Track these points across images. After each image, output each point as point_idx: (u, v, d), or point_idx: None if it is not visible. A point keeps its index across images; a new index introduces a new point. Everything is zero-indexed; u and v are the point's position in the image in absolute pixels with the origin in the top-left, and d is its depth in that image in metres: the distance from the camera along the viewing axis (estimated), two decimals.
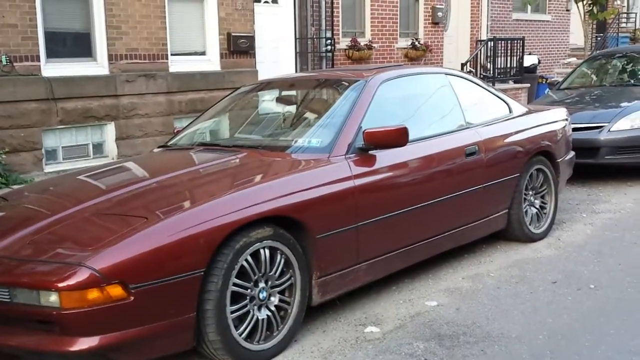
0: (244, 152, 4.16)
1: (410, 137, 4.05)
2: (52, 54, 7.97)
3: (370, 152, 4.02)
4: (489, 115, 5.17)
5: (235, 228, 3.24)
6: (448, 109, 4.89)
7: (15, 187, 6.80)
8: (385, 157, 4.07)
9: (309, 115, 4.78)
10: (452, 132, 4.75)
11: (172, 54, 9.01)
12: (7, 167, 7.36)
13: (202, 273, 3.13)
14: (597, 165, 7.48)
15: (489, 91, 5.45)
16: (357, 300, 4.17)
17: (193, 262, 3.10)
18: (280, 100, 5.18)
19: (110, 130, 8.45)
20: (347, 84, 4.56)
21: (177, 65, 9.06)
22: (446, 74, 5.18)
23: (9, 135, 7.49)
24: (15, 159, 7.53)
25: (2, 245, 3.23)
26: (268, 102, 5.22)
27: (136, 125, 8.63)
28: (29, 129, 7.65)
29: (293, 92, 5.24)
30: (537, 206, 5.45)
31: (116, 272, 2.92)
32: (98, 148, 8.44)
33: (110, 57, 8.36)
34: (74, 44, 8.29)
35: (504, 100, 5.48)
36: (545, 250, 5.14)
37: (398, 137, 3.95)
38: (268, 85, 5.42)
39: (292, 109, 5.06)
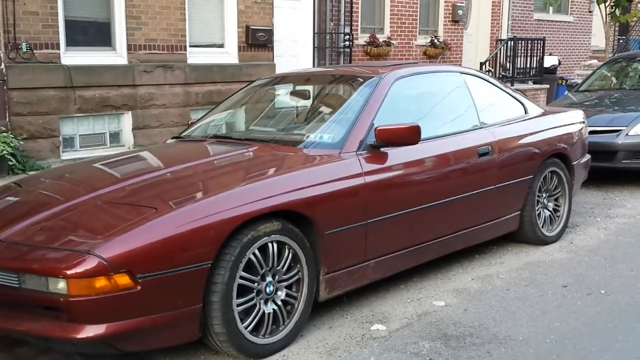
0: (255, 146, 4.16)
1: (423, 136, 4.03)
2: (71, 42, 8.04)
3: (382, 149, 4.01)
4: (503, 116, 5.14)
5: (244, 221, 3.25)
6: (462, 108, 4.86)
7: (32, 173, 6.87)
8: (397, 155, 4.06)
9: (322, 110, 4.78)
10: (466, 131, 4.72)
11: (190, 46, 9.06)
12: (24, 153, 7.44)
13: (210, 265, 3.14)
14: (613, 169, 7.41)
15: (504, 91, 5.41)
16: (365, 298, 4.17)
17: (201, 254, 3.12)
18: (294, 94, 5.18)
19: (127, 120, 8.51)
20: (361, 80, 4.55)
21: (195, 56, 9.10)
22: (461, 72, 5.14)
23: (27, 121, 7.56)
24: (32, 146, 7.61)
25: (14, 230, 3.26)
26: (282, 96, 5.23)
27: (153, 116, 8.68)
28: (47, 116, 7.73)
29: (307, 87, 5.22)
30: (551, 209, 5.41)
31: (124, 261, 2.94)
32: (115, 137, 8.50)
33: (129, 47, 8.42)
34: (94, 33, 8.35)
35: (519, 101, 5.44)
36: (557, 254, 5.10)
37: (410, 135, 3.93)
38: (283, 79, 5.43)
39: (305, 103, 5.05)
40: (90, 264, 2.90)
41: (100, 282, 2.90)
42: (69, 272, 2.88)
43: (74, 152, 8.05)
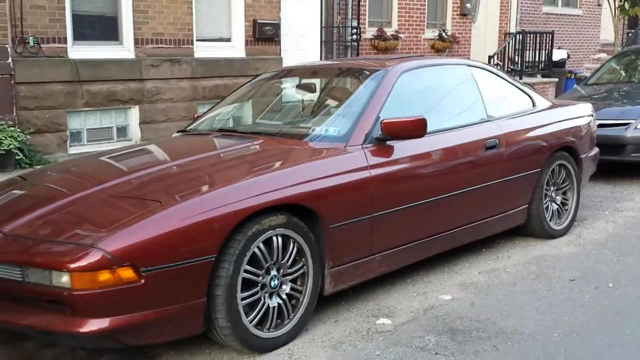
0: (261, 139, 4.14)
1: (429, 129, 4.01)
2: (79, 36, 8.03)
3: (388, 142, 3.98)
4: (511, 109, 5.09)
5: (248, 215, 3.23)
6: (469, 101, 4.82)
7: (38, 167, 6.87)
8: (403, 148, 4.03)
9: (328, 103, 4.75)
10: (473, 124, 4.68)
11: (197, 40, 9.05)
12: (31, 147, 7.44)
13: (214, 258, 3.12)
14: (622, 162, 7.36)
15: (512, 84, 5.36)
16: (371, 291, 4.15)
17: (205, 248, 3.10)
18: (300, 87, 5.15)
19: (134, 114, 8.51)
20: (367, 73, 4.51)
21: (202, 51, 9.08)
22: (468, 65, 5.10)
23: (34, 116, 7.57)
24: (40, 140, 7.61)
25: (18, 224, 3.25)
26: (288, 90, 5.20)
27: (160, 110, 8.67)
28: (54, 110, 7.73)
29: (313, 80, 5.19)
30: (558, 202, 5.37)
31: (128, 254, 2.92)
32: (122, 131, 8.50)
33: (136, 41, 8.41)
34: (101, 27, 8.35)
35: (527, 94, 5.39)
36: (565, 247, 5.07)
37: (416, 128, 3.91)
38: (289, 72, 5.41)
39: (311, 96, 5.02)
40: (93, 257, 2.88)
41: (104, 276, 2.89)
42: (72, 265, 2.87)
43: (81, 147, 8.05)
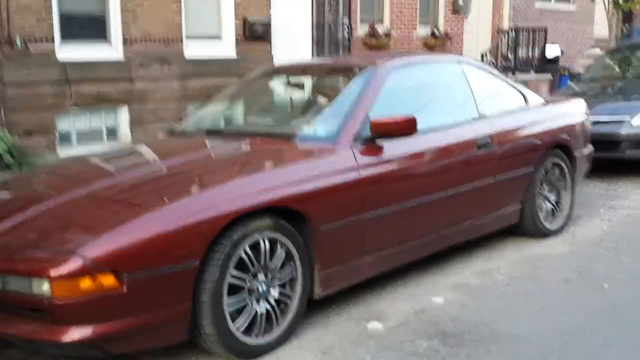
0: (247, 140, 4.07)
1: (420, 128, 3.93)
2: (67, 36, 7.92)
3: (378, 142, 3.91)
4: (503, 106, 5.02)
5: (233, 218, 3.15)
6: (460, 99, 4.75)
7: (25, 170, 6.79)
8: (393, 148, 3.96)
9: (317, 102, 4.67)
10: (464, 123, 4.61)
11: (187, 39, 8.93)
12: (21, 150, 7.34)
13: (198, 263, 3.05)
14: (617, 160, 7.30)
15: (504, 81, 5.29)
16: (361, 294, 4.07)
17: (189, 252, 3.02)
18: (287, 86, 5.07)
19: (124, 115, 8.40)
20: (357, 71, 4.44)
21: (192, 50, 8.97)
22: (459, 62, 5.03)
23: (23, 118, 7.46)
24: (29, 142, 7.51)
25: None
26: (275, 89, 5.12)
27: (150, 110, 8.57)
28: (43, 112, 7.62)
29: (302, 79, 5.11)
30: (552, 201, 5.30)
31: (109, 260, 2.84)
32: (112, 132, 8.39)
33: (125, 41, 8.30)
34: (89, 26, 8.22)
35: (519, 91, 5.33)
36: (559, 247, 5.00)
37: (406, 127, 3.83)
38: (277, 71, 5.33)
39: (299, 95, 4.95)
40: (73, 264, 2.80)
41: (85, 283, 2.81)
42: (52, 273, 2.79)
43: (70, 148, 7.95)
